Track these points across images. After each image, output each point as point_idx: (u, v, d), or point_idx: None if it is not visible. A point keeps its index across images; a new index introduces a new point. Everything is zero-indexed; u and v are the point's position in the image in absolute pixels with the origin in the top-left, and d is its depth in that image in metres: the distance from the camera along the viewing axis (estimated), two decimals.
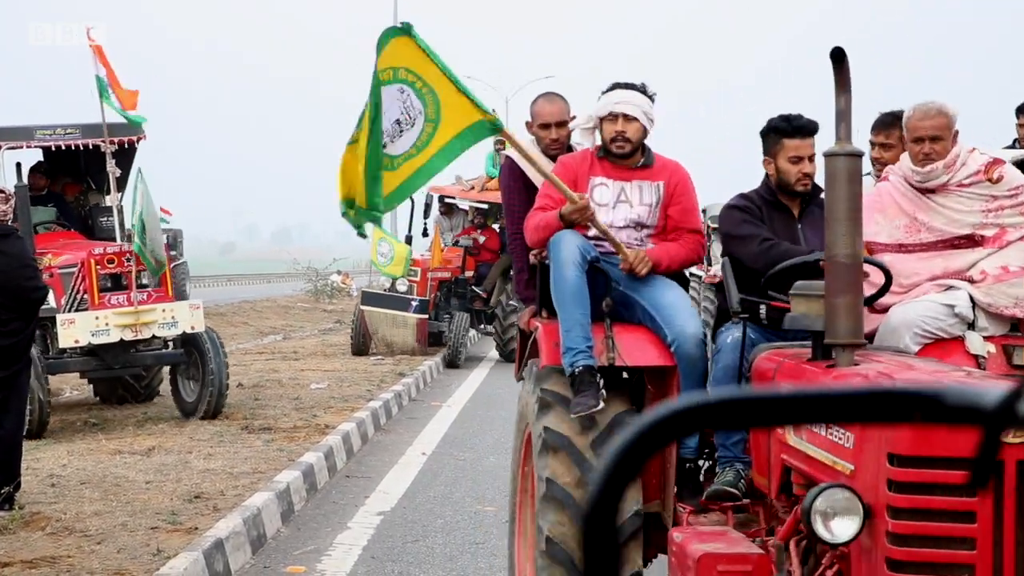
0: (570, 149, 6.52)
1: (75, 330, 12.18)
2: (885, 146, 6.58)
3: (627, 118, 5.88)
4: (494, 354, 22.19)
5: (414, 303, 20.70)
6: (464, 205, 23.09)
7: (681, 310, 5.64)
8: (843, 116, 4.66)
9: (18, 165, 13.54)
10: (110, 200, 13.92)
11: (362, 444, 12.46)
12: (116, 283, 12.65)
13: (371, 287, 24.99)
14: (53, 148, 13.27)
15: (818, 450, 4.35)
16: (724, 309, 5.88)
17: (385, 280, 21.86)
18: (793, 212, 5.84)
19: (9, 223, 8.97)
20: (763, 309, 5.37)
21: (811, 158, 5.66)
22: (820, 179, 6.52)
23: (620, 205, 5.96)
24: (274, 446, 11.40)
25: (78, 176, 14.80)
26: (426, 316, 20.73)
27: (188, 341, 13.06)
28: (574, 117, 6.39)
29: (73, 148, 13.35)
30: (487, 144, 22.53)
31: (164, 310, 12.70)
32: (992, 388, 1.04)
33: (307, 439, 11.76)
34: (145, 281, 12.80)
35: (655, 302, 5.68)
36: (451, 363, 20.55)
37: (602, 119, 5.94)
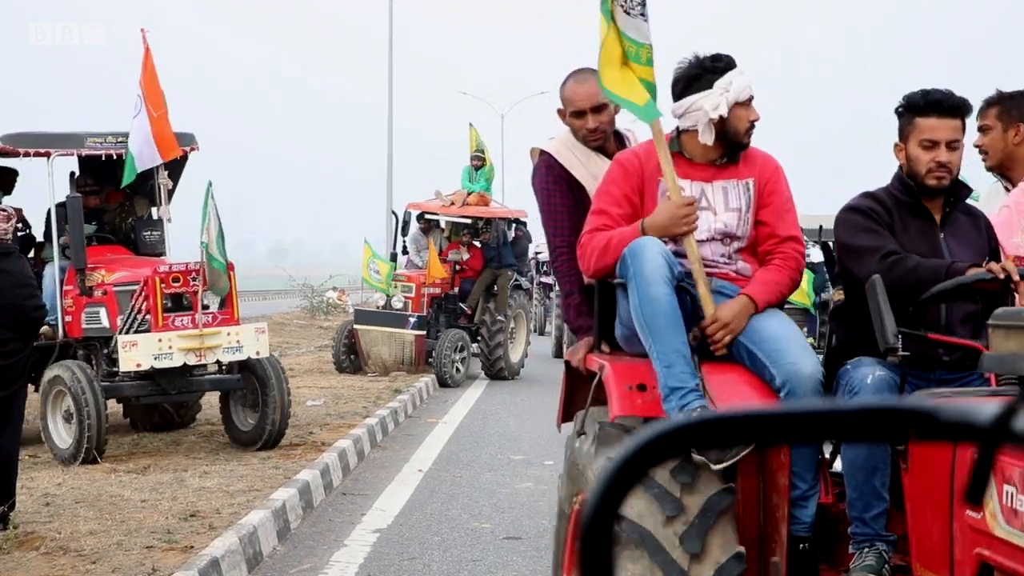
0: (620, 140, 5.54)
1: (137, 353, 11.45)
2: (983, 129, 5.74)
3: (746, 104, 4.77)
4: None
5: (411, 319, 20.37)
6: (442, 222, 22.75)
7: (791, 343, 4.45)
8: None
9: (72, 175, 12.91)
10: (158, 213, 13.32)
11: (358, 461, 12.44)
12: (176, 303, 11.88)
13: (364, 304, 24.80)
14: (104, 157, 12.62)
15: None
16: (849, 342, 4.65)
17: (378, 297, 21.74)
18: (934, 217, 4.70)
19: (9, 242, 8.98)
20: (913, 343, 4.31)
21: (952, 145, 4.56)
22: (968, 174, 5.51)
23: (702, 213, 4.76)
24: (270, 464, 11.38)
25: (116, 187, 13.78)
26: (423, 333, 20.44)
27: (245, 366, 12.30)
28: None
29: (118, 157, 12.61)
30: (464, 158, 22.45)
31: (229, 334, 11.99)
32: (987, 404, 1.04)
33: (303, 456, 11.74)
34: (207, 302, 12.09)
35: (756, 333, 4.53)
36: (441, 382, 20.08)
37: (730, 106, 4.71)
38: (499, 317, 21.00)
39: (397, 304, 20.55)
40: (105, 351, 12.03)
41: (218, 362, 12.25)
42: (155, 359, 11.45)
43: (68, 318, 12.42)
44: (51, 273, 12.58)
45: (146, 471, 10.97)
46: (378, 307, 21.51)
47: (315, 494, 10.37)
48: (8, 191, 12.92)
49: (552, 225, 5.42)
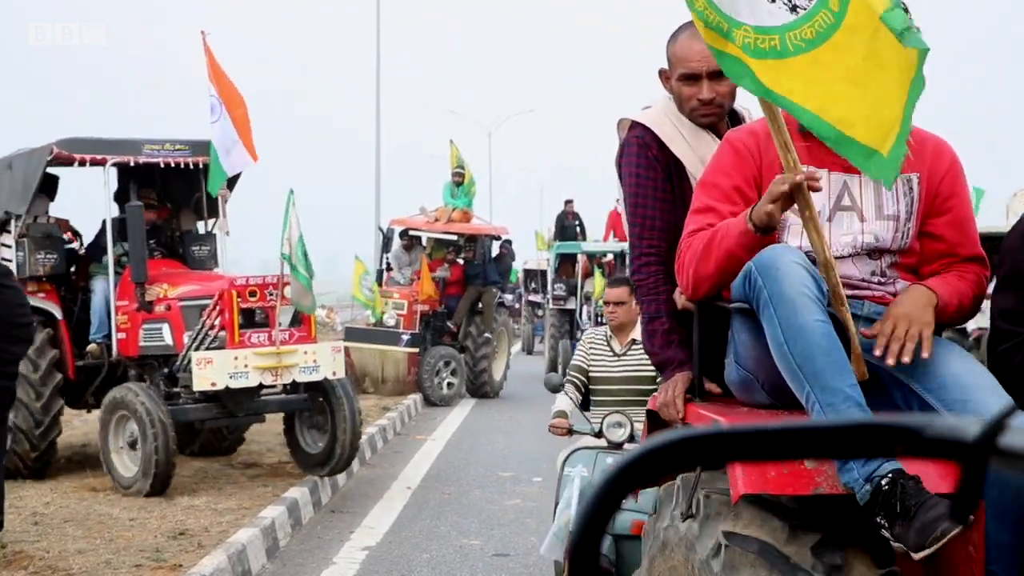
0: (735, 121, 4.31)
1: (212, 371, 10.58)
2: None
3: None
4: None
5: (404, 337, 20.08)
6: (423, 239, 22.42)
7: (986, 393, 3.25)
8: None
9: (133, 184, 12.35)
10: (214, 227, 12.79)
11: (347, 479, 12.41)
12: (247, 319, 11.07)
13: (354, 322, 24.65)
14: (162, 164, 12.00)
15: None
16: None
17: (369, 314, 21.55)
18: None
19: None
20: None
21: None
22: None
23: (843, 216, 3.61)
24: (259, 482, 11.36)
25: (160, 196, 13.10)
26: (417, 350, 20.17)
27: (312, 385, 11.41)
28: None
29: (183, 166, 12.10)
30: (444, 173, 22.29)
31: (306, 352, 11.10)
32: (973, 421, 1.04)
33: (292, 474, 11.72)
34: (282, 319, 11.36)
35: (933, 376, 3.35)
36: (428, 400, 19.77)
37: None
38: (486, 335, 20.84)
39: (389, 321, 20.31)
40: (165, 370, 11.34)
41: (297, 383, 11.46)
42: (230, 378, 10.63)
43: (122, 335, 11.77)
44: (101, 288, 12.09)
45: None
46: (368, 324, 21.36)
47: (304, 512, 10.35)
48: (52, 198, 12.55)
49: (639, 223, 4.15)
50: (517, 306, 39.56)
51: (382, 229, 22.55)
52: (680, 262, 3.69)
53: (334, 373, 11.24)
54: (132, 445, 10.78)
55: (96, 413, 12.21)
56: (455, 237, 21.95)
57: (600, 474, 1.14)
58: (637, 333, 6.93)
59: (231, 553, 8.15)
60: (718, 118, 4.16)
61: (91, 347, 11.98)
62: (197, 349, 10.82)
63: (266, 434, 14.50)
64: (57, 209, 12.79)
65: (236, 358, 10.66)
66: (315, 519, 10.48)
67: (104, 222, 12.17)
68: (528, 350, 33.38)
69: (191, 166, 12.11)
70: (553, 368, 23.88)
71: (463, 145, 22.25)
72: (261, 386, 11.08)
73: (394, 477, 12.65)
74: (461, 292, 21.09)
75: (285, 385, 11.35)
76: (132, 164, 11.87)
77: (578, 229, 28.90)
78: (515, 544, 9.54)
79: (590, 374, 7.27)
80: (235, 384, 10.66)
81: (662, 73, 4.22)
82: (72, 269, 12.60)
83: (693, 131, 4.14)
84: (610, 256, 26.54)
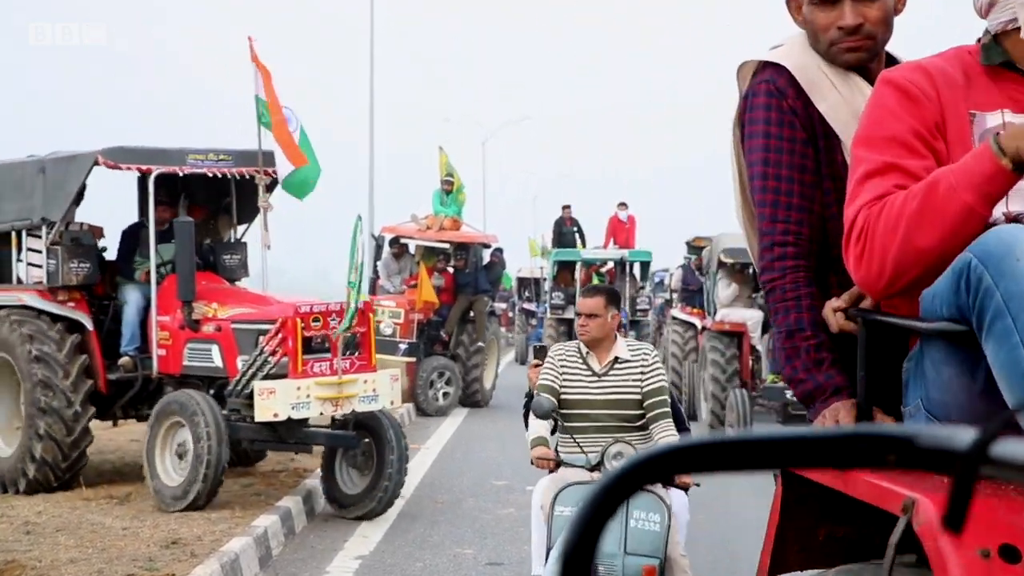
0: (891, 61, 3.19)
1: (275, 402, 10.12)
2: None
3: None
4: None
5: (402, 346, 19.86)
6: (411, 248, 22.25)
7: None
8: None
9: (182, 196, 12.22)
10: (261, 240, 12.32)
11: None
12: (305, 346, 10.51)
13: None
14: (209, 175, 11.81)
15: None
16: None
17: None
18: None
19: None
20: None
21: None
22: None
23: None
24: (252, 490, 11.34)
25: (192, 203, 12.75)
26: (414, 359, 19.82)
27: (362, 423, 10.84)
28: None
29: (228, 176, 11.94)
30: (434, 181, 22.19)
31: (366, 381, 10.65)
32: (965, 430, 1.04)
33: (285, 483, 11.70)
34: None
35: None
36: (420, 410, 19.62)
37: None
38: (478, 344, 20.68)
39: (386, 330, 20.09)
40: (211, 392, 10.88)
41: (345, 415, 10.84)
42: (292, 408, 10.17)
43: (162, 352, 11.41)
44: (135, 299, 11.81)
45: (127, 498, 10.91)
46: None
47: (297, 520, 10.34)
48: (79, 203, 12.04)
49: (770, 200, 3.10)
50: (511, 315, 39.25)
51: (375, 236, 22.37)
52: (865, 241, 2.59)
53: (392, 403, 10.93)
54: (180, 455, 10.42)
55: (97, 423, 12.10)
56: (446, 245, 21.82)
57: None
58: (621, 350, 6.48)
59: (224, 562, 8.14)
60: (869, 54, 3.10)
61: (123, 360, 11.71)
62: (254, 376, 10.41)
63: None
64: (86, 214, 12.53)
65: (299, 388, 10.23)
66: (308, 528, 10.47)
67: (142, 231, 12.00)
68: (522, 360, 32.23)
69: (236, 177, 11.97)
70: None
71: (459, 152, 22.22)
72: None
73: None
74: (452, 301, 20.93)
75: (337, 418, 10.83)
76: (180, 175, 11.74)
77: (577, 235, 28.15)
78: (509, 553, 9.53)
79: (562, 396, 6.41)
80: (297, 415, 10.26)
81: (789, 2, 3.21)
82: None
83: (842, 77, 3.08)
84: (610, 264, 26.21)
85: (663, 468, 1.07)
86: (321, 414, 10.48)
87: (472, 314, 20.88)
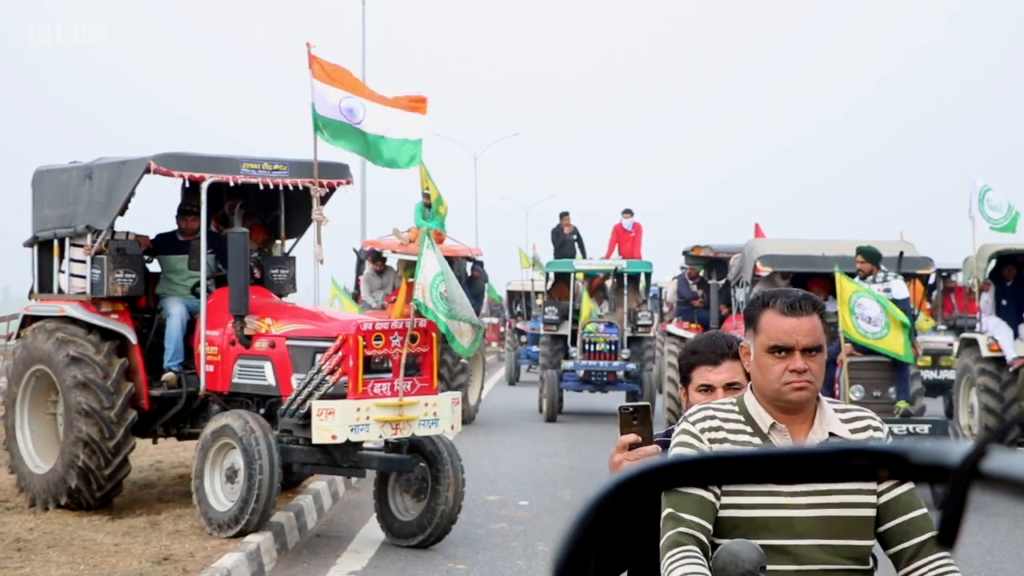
0: None
1: (333, 423, 9.61)
2: None
3: None
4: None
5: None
6: (392, 263, 21.79)
7: None
8: None
9: (241, 206, 11.61)
10: (315, 253, 11.71)
11: (333, 503, 12.38)
12: (365, 365, 10.03)
13: None
14: (262, 186, 11.23)
15: None
16: None
17: None
18: None
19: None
20: None
21: None
22: None
23: None
24: None
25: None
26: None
27: (415, 446, 10.42)
28: None
29: (282, 187, 11.36)
30: (415, 194, 21.99)
31: (427, 404, 10.16)
32: (957, 445, 1.04)
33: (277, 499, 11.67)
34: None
35: None
36: None
37: None
38: (462, 361, 20.43)
39: None
40: (261, 411, 10.42)
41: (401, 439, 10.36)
42: (351, 431, 9.67)
43: (210, 368, 10.85)
44: (178, 312, 11.28)
45: (119, 514, 10.89)
46: None
47: (289, 536, 10.31)
48: (123, 212, 11.27)
49: None
50: (502, 329, 38.40)
51: (356, 251, 22.22)
52: None
53: (452, 427, 10.44)
54: (230, 478, 9.96)
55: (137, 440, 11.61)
56: None
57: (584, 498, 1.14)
58: (831, 420, 3.53)
59: None
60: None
61: (168, 375, 11.15)
62: (310, 396, 9.90)
63: None
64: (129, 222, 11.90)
65: (358, 409, 9.73)
66: (301, 543, 10.45)
67: (196, 241, 11.21)
68: (511, 380, 30.82)
69: (290, 188, 11.42)
70: (539, 400, 22.34)
71: (451, 166, 22.12)
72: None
73: None
74: None
75: (390, 441, 10.42)
76: (232, 184, 11.26)
77: (577, 245, 25.82)
78: (502, 568, 9.52)
79: (725, 514, 3.42)
80: (356, 437, 9.80)
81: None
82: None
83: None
84: (611, 277, 24.03)
85: (653, 486, 1.07)
86: (380, 437, 10.09)
87: None
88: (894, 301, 12.62)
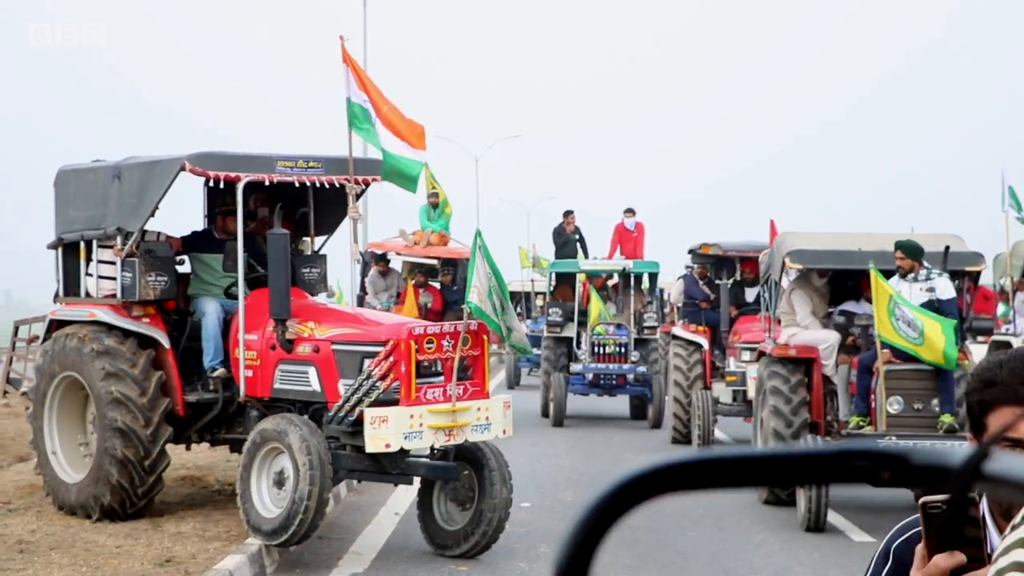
0: None
1: (387, 431, 9.32)
2: None
3: None
4: None
5: None
6: (397, 265, 21.77)
7: None
8: None
9: (281, 207, 11.05)
10: (351, 253, 11.67)
11: (335, 505, 12.37)
12: (416, 370, 9.75)
13: None
14: (297, 183, 10.96)
15: None
16: None
17: None
18: None
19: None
20: None
21: None
22: None
23: None
24: None
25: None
26: None
27: (461, 452, 10.21)
28: None
29: (317, 184, 11.07)
30: (420, 196, 21.92)
31: (479, 409, 9.92)
32: (959, 447, 1.04)
33: None
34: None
35: None
36: None
37: None
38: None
39: None
40: (305, 417, 9.98)
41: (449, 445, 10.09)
42: (405, 438, 9.41)
43: (249, 373, 10.48)
44: (213, 310, 10.95)
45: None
46: None
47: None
48: (153, 213, 11.02)
49: None
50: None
51: (361, 254, 22.22)
52: None
53: (504, 432, 10.17)
54: (279, 484, 9.59)
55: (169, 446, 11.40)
56: (433, 261, 21.49)
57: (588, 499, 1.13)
58: None
59: None
60: None
61: (219, 371, 10.74)
62: (359, 402, 9.62)
63: None
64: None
65: (412, 416, 9.46)
66: (303, 545, 10.44)
67: (231, 242, 10.97)
68: (511, 384, 30.05)
69: (325, 185, 11.08)
70: (545, 404, 21.82)
71: (452, 168, 22.10)
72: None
73: (382, 503, 12.61)
74: (440, 318, 20.60)
75: (436, 449, 10.13)
76: (267, 183, 10.89)
77: (579, 245, 24.97)
78: (503, 570, 9.52)
79: None
80: (409, 445, 9.54)
81: None
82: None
83: None
84: (615, 277, 23.53)
85: (655, 487, 1.07)
86: (433, 445, 9.80)
87: None
88: (939, 301, 11.43)
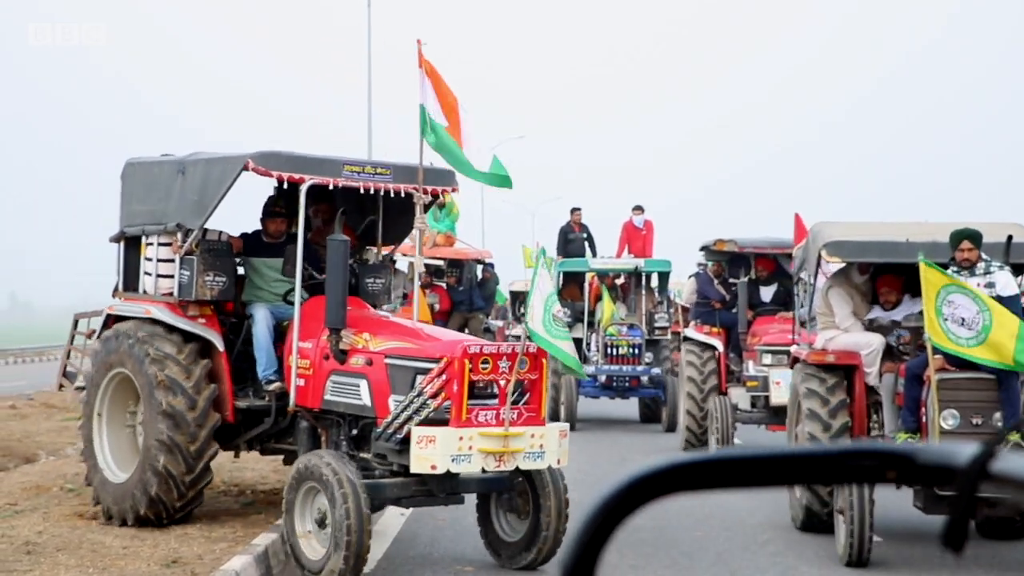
0: None
1: (434, 452, 8.91)
2: None
3: None
4: None
5: None
6: (402, 266, 21.98)
7: None
8: None
9: (342, 212, 10.37)
10: (411, 265, 11.01)
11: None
12: (469, 390, 9.30)
13: None
14: (362, 190, 10.50)
15: None
16: None
17: None
18: None
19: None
20: None
21: None
22: None
23: None
24: (252, 509, 11.32)
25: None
26: None
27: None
28: None
29: (383, 192, 10.70)
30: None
31: (533, 435, 9.36)
32: (964, 446, 1.04)
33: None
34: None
35: None
36: None
37: None
38: None
39: None
40: (353, 432, 9.87)
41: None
42: (452, 461, 9.00)
43: (300, 382, 10.15)
44: (263, 317, 10.68)
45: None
46: None
47: None
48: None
49: None
50: (507, 332, 37.99)
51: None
52: None
53: (559, 461, 9.62)
54: (321, 523, 9.18)
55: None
56: (439, 262, 21.40)
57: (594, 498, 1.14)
58: None
59: None
60: None
61: (275, 385, 10.44)
62: (409, 420, 9.21)
63: (260, 462, 14.47)
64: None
65: (461, 438, 9.02)
66: None
67: (290, 247, 10.62)
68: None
69: (392, 193, 10.72)
70: (555, 408, 20.86)
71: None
72: None
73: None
74: (446, 319, 20.56)
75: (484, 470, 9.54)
76: (331, 187, 10.44)
77: (586, 243, 24.21)
78: (511, 570, 9.51)
79: None
80: (456, 468, 9.11)
81: None
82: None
83: None
84: (623, 277, 23.02)
85: (663, 486, 1.07)
86: (483, 470, 9.28)
87: (468, 332, 20.65)
88: (999, 299, 9.85)
